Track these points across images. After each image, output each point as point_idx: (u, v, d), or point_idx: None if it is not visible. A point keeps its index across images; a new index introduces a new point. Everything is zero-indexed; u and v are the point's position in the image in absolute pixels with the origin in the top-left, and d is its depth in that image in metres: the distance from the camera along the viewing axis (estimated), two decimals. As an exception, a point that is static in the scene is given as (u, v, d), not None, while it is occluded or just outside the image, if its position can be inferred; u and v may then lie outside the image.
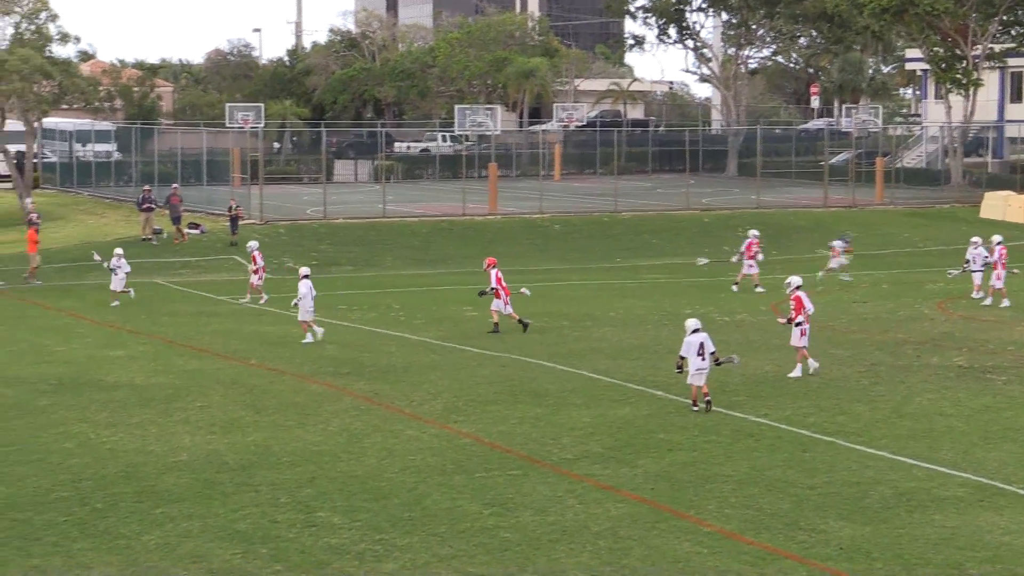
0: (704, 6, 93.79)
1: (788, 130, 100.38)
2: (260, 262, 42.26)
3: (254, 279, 42.38)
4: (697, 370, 26.22)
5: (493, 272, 36.40)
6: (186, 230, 56.85)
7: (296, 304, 34.89)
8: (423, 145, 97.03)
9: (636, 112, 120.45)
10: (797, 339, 29.99)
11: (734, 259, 46.81)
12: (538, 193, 67.17)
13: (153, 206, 56.89)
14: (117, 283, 42.18)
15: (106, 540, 18.74)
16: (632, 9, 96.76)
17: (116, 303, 41.69)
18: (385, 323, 38.43)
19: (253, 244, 42.85)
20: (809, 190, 76.63)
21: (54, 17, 64.60)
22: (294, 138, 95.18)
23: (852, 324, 37.97)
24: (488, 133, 69.48)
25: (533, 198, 67.29)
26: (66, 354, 33.26)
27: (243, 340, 35.26)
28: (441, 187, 79.50)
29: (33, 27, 64.10)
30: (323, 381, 29.70)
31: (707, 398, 26.32)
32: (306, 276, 35.14)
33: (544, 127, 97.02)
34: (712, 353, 26.35)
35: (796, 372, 29.99)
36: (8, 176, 69.00)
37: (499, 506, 20.24)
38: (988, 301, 41.68)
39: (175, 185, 59.08)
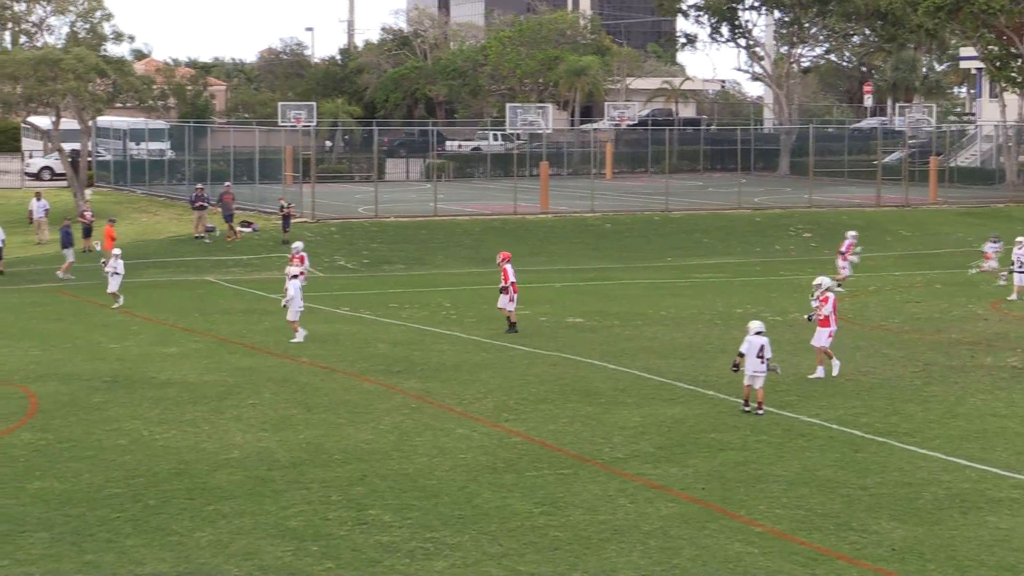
0: (757, 4, 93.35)
1: (841, 129, 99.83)
2: (307, 263, 41.70)
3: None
4: (754, 372, 26.07)
5: (508, 267, 36.11)
6: (238, 228, 57.08)
7: (285, 304, 34.90)
8: (474, 144, 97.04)
9: (688, 111, 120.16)
10: (824, 339, 29.78)
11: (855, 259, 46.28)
12: (589, 192, 67.10)
13: (206, 204, 57.15)
14: (114, 284, 41.34)
15: (159, 536, 18.86)
16: (684, 7, 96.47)
17: (118, 304, 41.14)
18: (436, 321, 38.49)
19: (298, 245, 42.19)
20: (862, 189, 76.23)
21: (108, 16, 64.98)
22: (346, 137, 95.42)
23: (905, 324, 37.78)
24: (539, 132, 69.37)
25: (584, 197, 67.22)
26: (120, 351, 33.48)
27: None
28: (492, 186, 79.52)
29: (88, 26, 64.50)
30: (374, 379, 29.77)
31: (760, 408, 26.11)
32: (295, 277, 35.29)
33: (596, 126, 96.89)
34: (768, 358, 26.20)
35: (835, 368, 29.88)
36: (63, 174, 69.48)
37: (549, 505, 20.25)
38: (1014, 296, 42.09)
39: (227, 183, 59.32)
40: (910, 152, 77.54)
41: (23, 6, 64.31)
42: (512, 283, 36.05)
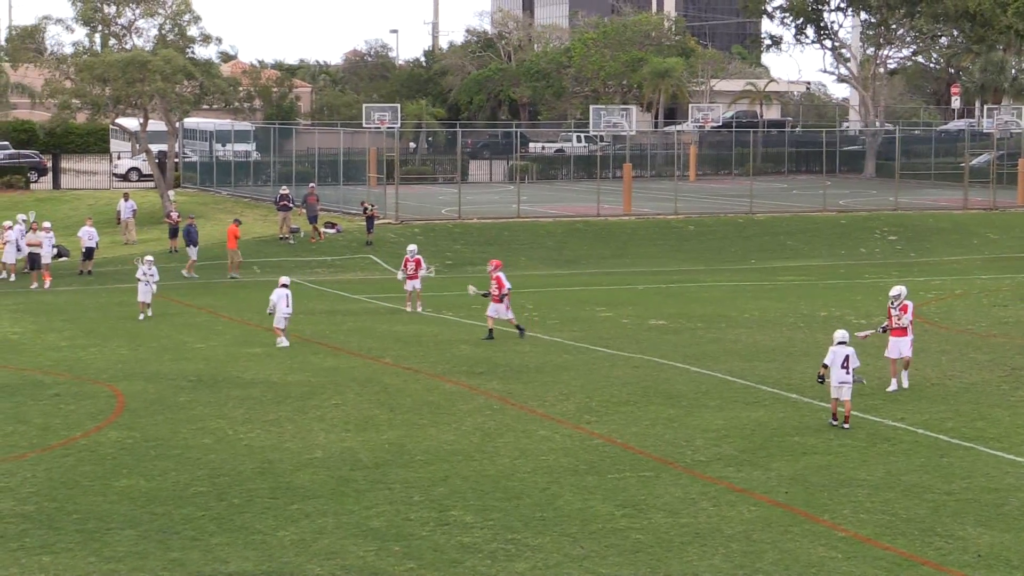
0: (843, 6, 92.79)
1: (927, 131, 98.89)
2: (423, 267, 40.42)
3: (416, 284, 40.33)
4: (840, 383, 25.34)
5: (501, 275, 35.36)
6: (323, 229, 57.40)
7: (270, 312, 34.29)
8: (558, 145, 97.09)
9: (772, 113, 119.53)
10: (907, 349, 28.69)
11: None
12: (673, 194, 66.92)
13: (290, 205, 57.51)
14: (146, 294, 39.07)
15: (243, 535, 19.01)
16: (769, 9, 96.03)
17: (148, 314, 39.07)
18: (519, 323, 38.49)
19: (413, 248, 40.76)
20: (949, 192, 75.54)
21: (196, 19, 65.70)
22: (430, 138, 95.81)
23: (993, 328, 37.37)
24: (623, 133, 69.30)
25: (668, 199, 67.06)
26: (205, 351, 33.77)
27: (377, 339, 35.55)
28: (575, 187, 79.52)
29: (176, 29, 65.18)
30: (457, 380, 29.84)
31: (846, 423, 25.26)
32: (284, 285, 34.48)
33: (679, 127, 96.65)
34: (853, 368, 25.57)
35: (902, 383, 28.74)
36: (151, 175, 70.22)
37: (631, 507, 20.21)
38: None
39: (312, 185, 59.69)
40: (998, 154, 76.63)
41: (113, 9, 65.08)
42: (508, 290, 35.38)
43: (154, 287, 39.60)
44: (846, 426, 25.31)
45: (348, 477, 21.88)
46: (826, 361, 25.59)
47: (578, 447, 23.88)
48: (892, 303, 29.08)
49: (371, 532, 19.12)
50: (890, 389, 28.58)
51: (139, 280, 39.14)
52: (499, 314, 35.53)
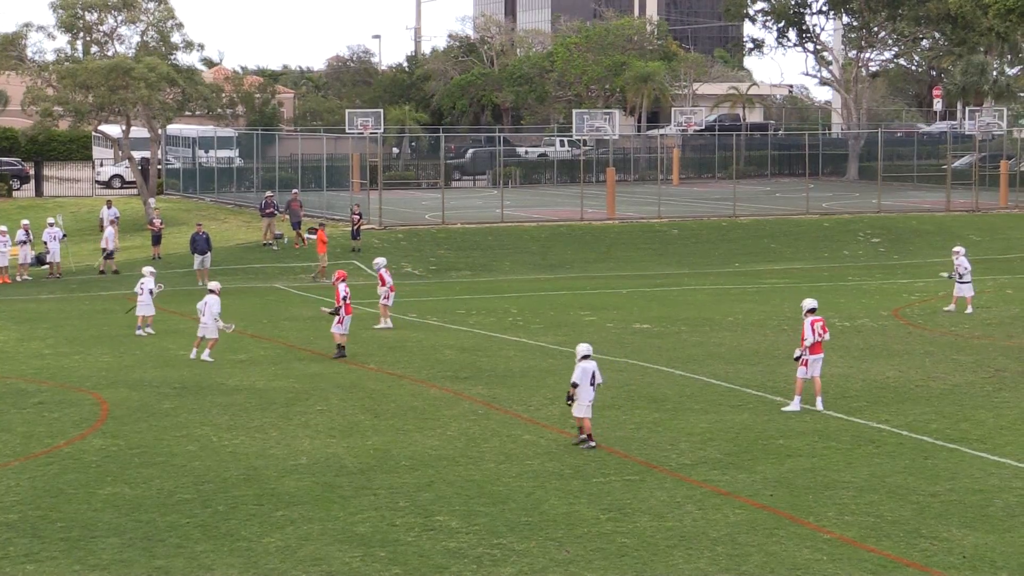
0: (825, 9, 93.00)
1: (910, 133, 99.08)
2: (389, 280, 38.90)
3: (388, 300, 39.08)
4: (590, 402, 24.04)
5: (342, 286, 33.67)
6: (306, 235, 57.29)
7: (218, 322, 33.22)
8: (541, 150, 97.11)
9: (755, 116, 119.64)
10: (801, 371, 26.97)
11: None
12: (656, 197, 66.98)
13: (274, 211, 57.43)
14: (146, 307, 37.28)
15: (228, 542, 18.98)
16: (751, 12, 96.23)
17: (149, 330, 37.44)
18: (503, 328, 38.51)
19: (380, 261, 39.75)
20: (931, 194, 75.69)
21: (179, 26, 65.60)
22: (413, 143, 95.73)
23: (976, 330, 37.45)
24: (606, 137, 69.25)
25: (651, 202, 67.12)
26: (189, 357, 33.68)
27: (362, 344, 35.49)
28: (559, 192, 79.53)
29: (158, 36, 65.08)
30: (441, 385, 29.83)
31: (591, 440, 24.01)
32: (212, 291, 33.50)
33: (662, 131, 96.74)
34: (599, 384, 24.24)
35: (793, 406, 26.96)
36: (133, 182, 70.07)
37: (616, 511, 20.22)
38: (950, 307, 40.75)
39: (295, 191, 59.60)
40: (980, 156, 76.82)
41: (95, 16, 64.95)
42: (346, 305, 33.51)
43: (148, 300, 37.26)
44: (592, 444, 23.99)
45: (333, 483, 21.86)
46: (575, 379, 24.03)
47: (563, 451, 23.87)
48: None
49: (356, 538, 19.10)
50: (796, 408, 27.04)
51: (139, 294, 37.25)
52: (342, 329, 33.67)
